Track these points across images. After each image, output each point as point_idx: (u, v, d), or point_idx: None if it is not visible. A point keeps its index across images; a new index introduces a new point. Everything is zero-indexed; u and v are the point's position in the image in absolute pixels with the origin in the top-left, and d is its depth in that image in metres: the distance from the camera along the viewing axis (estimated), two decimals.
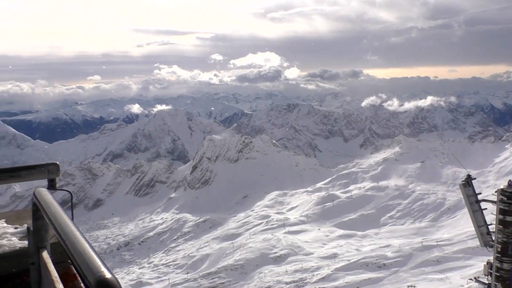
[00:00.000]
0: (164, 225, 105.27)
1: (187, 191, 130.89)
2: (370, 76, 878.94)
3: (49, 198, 2.32)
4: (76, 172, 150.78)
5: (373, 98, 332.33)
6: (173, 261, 78.87)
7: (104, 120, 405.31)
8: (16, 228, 3.51)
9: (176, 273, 71.50)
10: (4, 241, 3.24)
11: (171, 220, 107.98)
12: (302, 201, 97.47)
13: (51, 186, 3.40)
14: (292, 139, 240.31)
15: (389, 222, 79.63)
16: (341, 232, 74.10)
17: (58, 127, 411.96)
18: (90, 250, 1.52)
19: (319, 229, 76.86)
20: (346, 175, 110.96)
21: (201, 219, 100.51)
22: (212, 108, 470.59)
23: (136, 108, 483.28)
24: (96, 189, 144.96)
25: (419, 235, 68.79)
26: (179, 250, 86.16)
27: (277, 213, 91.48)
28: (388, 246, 61.49)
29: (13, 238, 3.31)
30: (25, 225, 3.44)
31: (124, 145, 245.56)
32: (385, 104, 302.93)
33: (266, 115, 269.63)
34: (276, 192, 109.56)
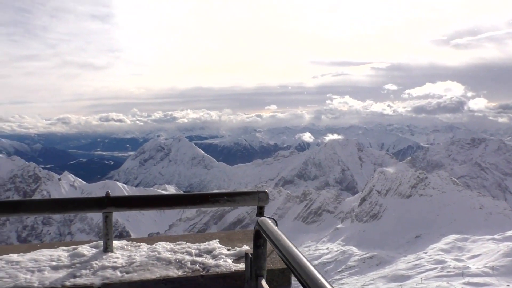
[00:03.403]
0: (329, 256, 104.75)
1: (354, 223, 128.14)
2: None
3: (273, 228, 2.36)
4: None
5: None
6: None
7: (278, 147, 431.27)
8: (228, 250, 3.75)
9: None
10: (221, 262, 3.43)
11: (336, 251, 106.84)
12: (486, 249, 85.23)
13: (260, 213, 3.71)
14: (476, 178, 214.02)
15: None
16: None
17: (238, 151, 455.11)
18: (323, 280, 1.53)
19: (508, 285, 65.93)
20: None
21: (367, 255, 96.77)
22: (385, 140, 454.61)
23: (307, 137, 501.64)
24: (267, 212, 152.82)
25: None
26: (343, 284, 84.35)
27: (455, 259, 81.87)
28: None
29: (228, 260, 3.48)
30: (236, 248, 3.71)
31: (295, 172, 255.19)
32: None
33: (446, 150, 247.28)
34: (455, 236, 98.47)
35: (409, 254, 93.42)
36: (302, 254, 1.82)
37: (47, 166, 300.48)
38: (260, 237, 2.54)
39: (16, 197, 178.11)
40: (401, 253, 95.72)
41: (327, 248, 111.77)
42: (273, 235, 2.25)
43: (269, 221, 2.57)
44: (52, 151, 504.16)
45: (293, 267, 1.77)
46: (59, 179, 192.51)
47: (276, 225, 3.18)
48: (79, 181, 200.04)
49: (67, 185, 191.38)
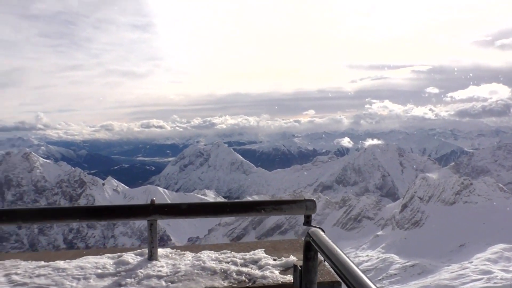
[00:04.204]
0: (369, 263, 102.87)
1: (395, 231, 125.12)
2: None
3: (326, 239, 2.22)
4: None
5: None
6: None
7: (317, 152, 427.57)
8: (274, 260, 3.63)
9: None
10: (267, 273, 3.33)
11: (376, 258, 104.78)
12: None
13: (307, 222, 3.56)
14: None
15: None
16: None
17: (276, 157, 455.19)
18: None
19: None
20: None
21: (409, 263, 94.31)
22: (427, 145, 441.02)
23: (346, 142, 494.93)
24: (301, 217, 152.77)
25: None
26: None
27: (503, 270, 78.44)
28: None
29: (275, 271, 3.37)
30: (283, 258, 3.61)
31: (334, 178, 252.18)
32: None
33: (492, 155, 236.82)
34: (502, 245, 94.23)
35: (453, 263, 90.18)
36: (357, 267, 1.75)
37: (92, 171, 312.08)
38: (311, 249, 2.40)
39: (63, 202, 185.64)
40: (445, 262, 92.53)
41: (367, 255, 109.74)
42: (326, 247, 2.14)
43: (321, 232, 2.43)
44: (96, 157, 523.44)
45: (348, 281, 1.69)
46: (103, 184, 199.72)
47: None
48: (122, 186, 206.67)
49: (111, 190, 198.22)
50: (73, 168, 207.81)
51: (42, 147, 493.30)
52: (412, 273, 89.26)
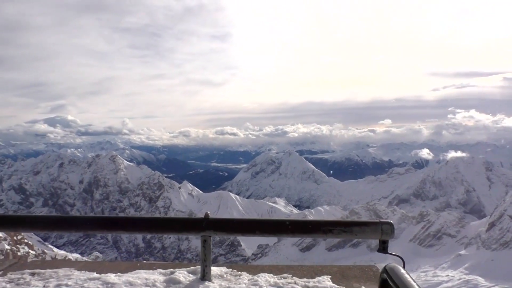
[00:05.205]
0: (450, 284, 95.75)
1: (480, 251, 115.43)
2: None
3: (408, 280, 1.95)
4: (362, 211, 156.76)
5: None
6: None
7: (393, 164, 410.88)
8: None
9: None
10: None
11: (458, 280, 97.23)
12: None
13: (383, 249, 3.14)
14: None
15: None
16: None
17: (349, 167, 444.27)
18: None
19: None
20: None
21: (496, 287, 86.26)
22: None
23: (425, 153, 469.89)
24: None
25: None
26: None
27: None
28: None
29: None
30: None
31: (411, 191, 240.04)
32: None
33: None
34: None
35: None
36: None
37: (169, 175, 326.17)
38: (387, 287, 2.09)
39: (143, 203, 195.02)
40: None
41: (448, 276, 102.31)
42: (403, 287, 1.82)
43: (402, 269, 2.05)
44: (174, 162, 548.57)
45: None
46: (179, 188, 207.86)
47: (404, 266, 2.47)
48: (196, 190, 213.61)
49: (186, 194, 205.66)
50: (153, 171, 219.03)
51: (127, 151, 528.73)
52: None
